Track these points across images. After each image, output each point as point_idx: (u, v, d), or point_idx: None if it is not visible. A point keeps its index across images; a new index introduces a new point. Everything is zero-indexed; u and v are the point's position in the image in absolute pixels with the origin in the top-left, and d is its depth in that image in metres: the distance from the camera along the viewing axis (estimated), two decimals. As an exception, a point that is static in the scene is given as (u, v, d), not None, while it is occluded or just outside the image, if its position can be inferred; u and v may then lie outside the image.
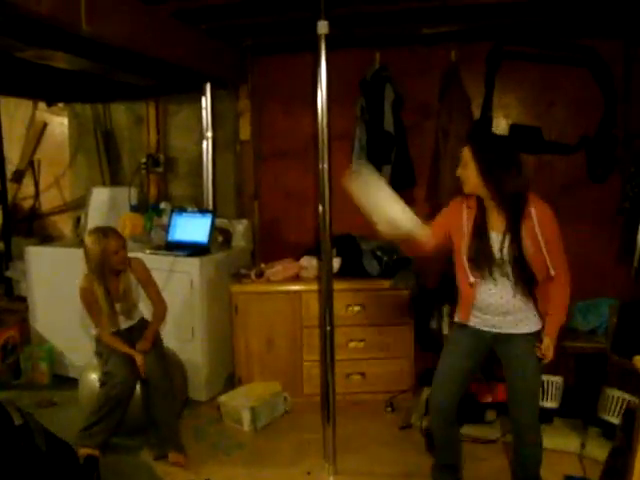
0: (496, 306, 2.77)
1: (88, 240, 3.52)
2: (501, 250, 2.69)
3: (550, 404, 3.79)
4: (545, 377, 3.77)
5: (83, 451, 3.38)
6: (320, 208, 3.25)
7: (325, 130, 3.19)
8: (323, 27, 3.11)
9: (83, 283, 3.61)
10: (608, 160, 4.27)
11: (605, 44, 4.20)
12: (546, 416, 3.74)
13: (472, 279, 2.78)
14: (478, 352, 2.91)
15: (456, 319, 2.97)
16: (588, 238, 4.53)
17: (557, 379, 3.85)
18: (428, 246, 2.89)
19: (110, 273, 3.55)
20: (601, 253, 4.49)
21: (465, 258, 2.78)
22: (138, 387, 3.64)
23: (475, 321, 2.86)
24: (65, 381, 4.70)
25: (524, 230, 2.67)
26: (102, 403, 3.45)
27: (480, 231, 2.75)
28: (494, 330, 2.82)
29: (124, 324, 3.68)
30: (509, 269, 2.70)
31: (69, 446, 2.72)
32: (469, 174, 2.75)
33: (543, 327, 2.78)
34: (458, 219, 2.85)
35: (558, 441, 3.56)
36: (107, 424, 3.46)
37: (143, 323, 3.77)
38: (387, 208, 2.81)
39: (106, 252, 3.46)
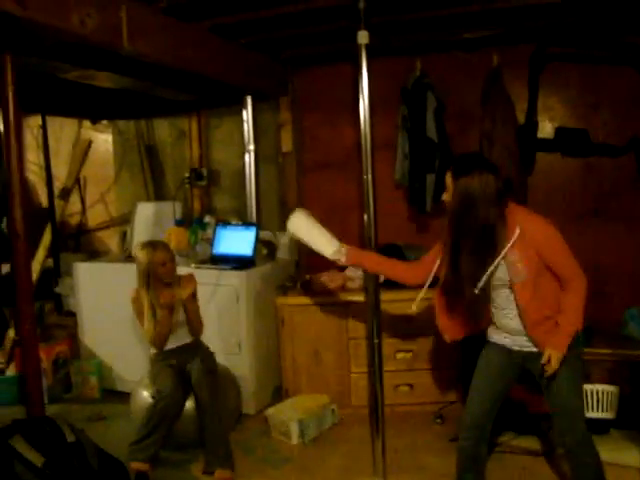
0: (513, 326, 2.68)
1: (138, 252, 3.61)
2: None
3: (606, 415, 3.68)
4: (600, 387, 3.67)
5: (134, 465, 3.42)
6: (365, 218, 3.21)
7: (368, 140, 3.18)
8: (363, 37, 3.10)
9: (132, 293, 3.70)
10: (659, 161, 4.15)
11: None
12: (602, 427, 3.64)
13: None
14: (510, 371, 2.81)
15: (488, 337, 2.90)
16: (636, 243, 4.41)
17: (612, 389, 3.73)
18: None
19: (158, 285, 3.59)
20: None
21: None
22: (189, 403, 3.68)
23: (505, 341, 2.77)
24: (114, 395, 4.75)
25: (511, 256, 2.54)
26: (150, 417, 3.49)
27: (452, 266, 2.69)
28: (524, 349, 2.71)
29: (174, 341, 3.70)
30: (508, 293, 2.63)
31: (120, 463, 2.74)
32: (448, 199, 2.67)
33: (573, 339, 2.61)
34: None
35: (616, 454, 3.43)
36: (155, 438, 3.48)
37: (199, 343, 3.81)
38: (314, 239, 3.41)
39: (153, 263, 3.54)
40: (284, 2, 3.58)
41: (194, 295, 3.72)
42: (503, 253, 2.53)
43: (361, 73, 3.15)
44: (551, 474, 3.42)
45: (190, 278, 3.75)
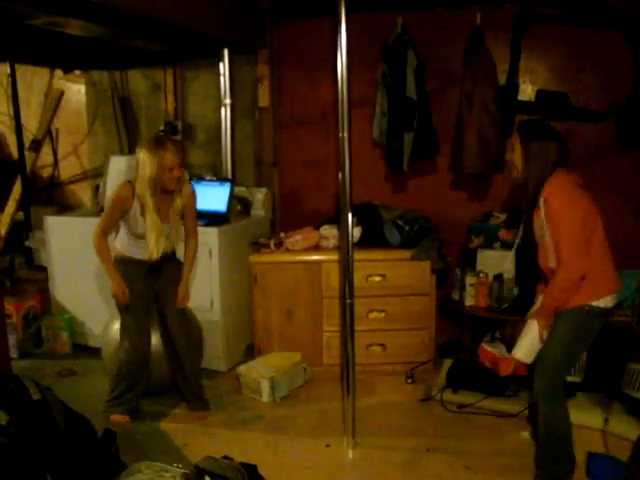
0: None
1: (143, 152, 3.27)
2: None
3: (573, 378, 3.72)
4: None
5: (113, 418, 3.48)
6: (340, 176, 3.16)
7: (345, 97, 3.10)
8: (343, -11, 2.99)
9: (123, 191, 3.36)
10: (638, 128, 4.12)
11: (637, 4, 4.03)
12: (569, 390, 3.67)
13: None
14: None
15: None
16: (615, 208, 4.40)
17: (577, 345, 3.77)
18: None
19: (160, 191, 3.33)
20: (628, 224, 4.37)
21: None
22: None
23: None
24: (86, 350, 4.73)
25: (536, 218, 2.85)
26: (118, 368, 3.54)
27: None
28: None
29: (159, 252, 3.45)
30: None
31: (87, 420, 2.71)
32: (516, 160, 2.89)
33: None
34: None
35: (581, 416, 3.47)
36: (128, 388, 3.54)
37: (176, 261, 3.62)
38: None
39: (161, 167, 3.24)
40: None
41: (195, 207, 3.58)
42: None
43: (340, 27, 3.05)
44: (515, 433, 3.48)
45: (191, 188, 3.53)
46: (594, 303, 2.78)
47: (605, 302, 2.81)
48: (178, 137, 5.18)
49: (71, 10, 3.55)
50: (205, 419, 3.68)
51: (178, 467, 2.70)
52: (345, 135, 3.12)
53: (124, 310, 3.55)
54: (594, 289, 2.78)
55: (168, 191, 3.37)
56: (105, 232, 3.43)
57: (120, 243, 3.54)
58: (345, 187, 3.17)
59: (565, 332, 2.83)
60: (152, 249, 3.39)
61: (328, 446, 3.39)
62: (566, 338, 2.84)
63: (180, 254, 3.65)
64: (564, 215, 2.71)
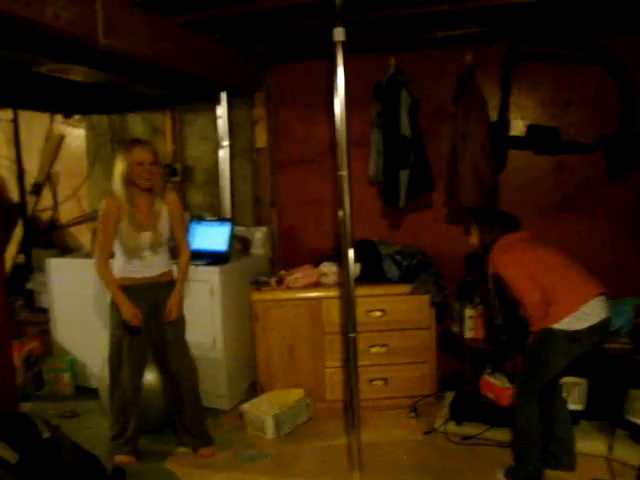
0: None
1: (117, 152, 3.42)
2: None
3: (575, 406, 3.76)
4: (570, 379, 3.76)
5: (118, 459, 3.48)
6: (340, 214, 3.23)
7: (344, 137, 3.17)
8: (339, 34, 3.10)
9: (106, 203, 3.41)
10: (628, 158, 4.23)
11: (622, 42, 4.17)
12: (572, 418, 3.71)
13: None
14: None
15: None
16: (609, 237, 4.51)
17: (582, 381, 3.83)
18: None
19: (134, 189, 3.38)
20: (622, 252, 4.46)
21: None
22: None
23: None
24: (87, 392, 4.72)
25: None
26: (114, 409, 3.58)
27: None
28: None
29: (148, 270, 3.49)
30: None
31: (96, 458, 2.73)
32: (474, 241, 3.49)
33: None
34: None
35: (585, 444, 3.53)
36: (124, 425, 3.57)
37: (171, 284, 3.59)
38: None
39: (130, 161, 3.32)
40: (260, -2, 3.60)
41: (182, 214, 3.60)
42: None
43: (336, 70, 3.14)
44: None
45: (174, 194, 3.58)
46: (554, 326, 3.09)
47: (567, 324, 3.07)
48: (177, 179, 5.27)
49: (77, 57, 3.66)
50: (212, 456, 3.69)
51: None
52: (344, 174, 3.19)
53: (123, 338, 3.52)
54: (553, 315, 3.10)
55: (145, 190, 3.41)
56: (104, 254, 3.43)
57: (117, 267, 3.51)
58: (346, 224, 3.23)
59: (529, 352, 3.26)
60: (134, 248, 3.41)
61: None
62: (530, 358, 3.25)
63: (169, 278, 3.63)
64: (501, 271, 3.26)
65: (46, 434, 2.57)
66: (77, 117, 5.78)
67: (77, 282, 4.75)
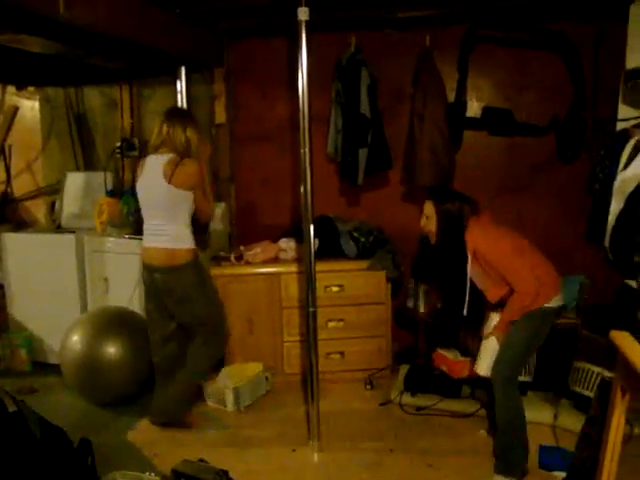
0: None
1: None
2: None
3: (524, 378, 3.92)
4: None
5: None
6: (302, 190, 3.29)
7: (306, 115, 3.22)
8: (304, 13, 3.13)
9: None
10: (577, 142, 4.39)
11: (575, 28, 4.31)
12: (521, 389, 3.87)
13: None
14: None
15: None
16: (557, 217, 4.68)
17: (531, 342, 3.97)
18: None
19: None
20: (569, 232, 4.63)
21: None
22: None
23: None
24: (45, 367, 4.71)
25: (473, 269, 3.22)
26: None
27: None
28: None
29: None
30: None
31: (62, 431, 2.75)
32: (432, 227, 3.27)
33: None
34: None
35: (532, 413, 3.66)
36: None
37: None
38: None
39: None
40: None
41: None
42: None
43: (300, 49, 3.17)
44: (472, 432, 3.67)
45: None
46: (547, 305, 3.12)
47: (555, 302, 3.16)
48: (135, 153, 5.22)
49: (34, 28, 3.60)
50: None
51: (152, 475, 2.78)
52: (306, 150, 3.25)
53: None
54: (545, 294, 3.10)
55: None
56: None
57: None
58: (307, 200, 3.29)
59: (526, 333, 3.14)
60: None
61: (294, 451, 3.50)
62: (527, 338, 3.16)
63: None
64: (495, 251, 3.12)
65: (12, 408, 2.58)
66: (31, 89, 5.65)
67: (33, 257, 4.72)
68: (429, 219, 3.25)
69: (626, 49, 3.72)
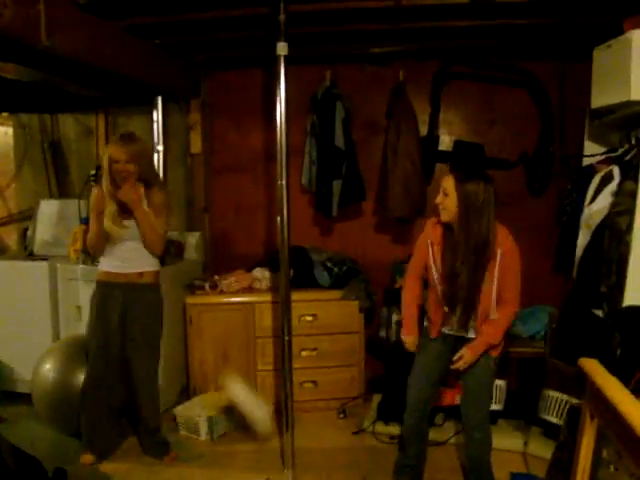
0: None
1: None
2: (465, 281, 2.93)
3: (495, 406, 3.97)
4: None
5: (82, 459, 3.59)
6: (278, 221, 3.33)
7: (284, 147, 3.27)
8: (282, 48, 3.21)
9: (93, 190, 3.62)
10: (545, 176, 4.53)
11: (543, 67, 4.47)
12: (491, 418, 3.93)
13: (445, 309, 3.05)
14: (447, 354, 3.12)
15: (425, 335, 3.24)
16: (526, 248, 4.72)
17: (501, 383, 4.05)
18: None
19: (114, 183, 3.45)
20: (538, 263, 4.71)
21: (439, 290, 3.04)
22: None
23: (449, 331, 3.14)
24: (13, 397, 4.60)
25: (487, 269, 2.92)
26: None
27: (451, 270, 2.97)
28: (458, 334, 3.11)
29: (118, 261, 3.55)
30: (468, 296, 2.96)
31: (37, 460, 2.73)
32: (449, 204, 2.91)
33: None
34: (427, 254, 3.09)
35: (503, 441, 3.75)
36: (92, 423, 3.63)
37: (151, 291, 3.67)
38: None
39: (108, 158, 3.42)
40: (202, 8, 3.67)
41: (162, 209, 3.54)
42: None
43: (279, 83, 3.24)
44: (446, 460, 3.70)
45: (158, 192, 3.54)
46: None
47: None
48: (109, 181, 5.23)
49: (14, 56, 3.62)
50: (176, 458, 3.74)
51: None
52: (284, 182, 3.30)
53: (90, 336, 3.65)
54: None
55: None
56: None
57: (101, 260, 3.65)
58: (283, 231, 3.33)
59: (494, 371, 3.13)
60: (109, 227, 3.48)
61: (269, 480, 3.50)
62: (493, 378, 3.22)
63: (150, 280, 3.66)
64: (517, 262, 2.97)
65: (-15, 437, 2.56)
66: (5, 114, 5.64)
67: (4, 284, 4.66)
68: (447, 196, 2.91)
69: (591, 89, 3.86)
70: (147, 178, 3.53)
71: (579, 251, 3.80)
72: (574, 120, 4.40)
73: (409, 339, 3.28)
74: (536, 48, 4.38)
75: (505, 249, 2.92)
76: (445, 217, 2.95)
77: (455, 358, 3.01)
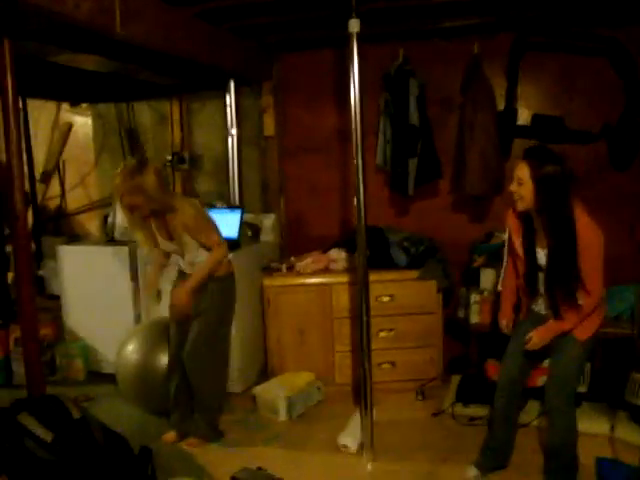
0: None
1: None
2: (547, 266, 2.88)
3: (579, 389, 3.86)
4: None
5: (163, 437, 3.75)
6: (355, 202, 3.30)
7: (359, 126, 3.23)
8: (355, 25, 3.16)
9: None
10: (631, 147, 4.32)
11: (626, 30, 4.25)
12: (576, 400, 3.82)
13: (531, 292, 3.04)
14: None
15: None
16: (610, 226, 4.54)
17: (585, 365, 3.92)
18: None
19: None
20: (624, 241, 4.53)
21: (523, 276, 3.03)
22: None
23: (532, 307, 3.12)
24: (100, 377, 4.80)
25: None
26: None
27: (530, 254, 2.95)
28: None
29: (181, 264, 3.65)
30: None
31: (124, 439, 2.81)
32: (525, 192, 2.82)
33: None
34: (514, 242, 3.06)
35: (588, 424, 3.63)
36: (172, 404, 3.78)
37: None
38: None
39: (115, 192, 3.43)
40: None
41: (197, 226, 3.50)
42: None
43: (352, 61, 3.19)
44: (528, 442, 3.59)
45: (183, 213, 3.45)
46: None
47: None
48: (185, 167, 5.34)
49: (92, 47, 3.71)
50: (196, 446, 3.70)
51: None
52: (359, 161, 3.27)
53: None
54: (600, 320, 3.00)
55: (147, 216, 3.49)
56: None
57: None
58: (360, 211, 3.30)
59: (581, 355, 3.01)
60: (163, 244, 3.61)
61: (348, 459, 3.52)
62: (582, 360, 3.07)
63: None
64: (596, 243, 2.83)
65: (77, 415, 2.65)
66: (84, 105, 5.82)
67: (87, 268, 4.83)
68: (522, 185, 2.81)
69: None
70: (158, 208, 3.43)
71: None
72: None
73: (503, 322, 3.27)
74: (618, 13, 4.16)
75: (579, 229, 2.79)
76: (521, 206, 2.88)
77: (526, 339, 2.95)
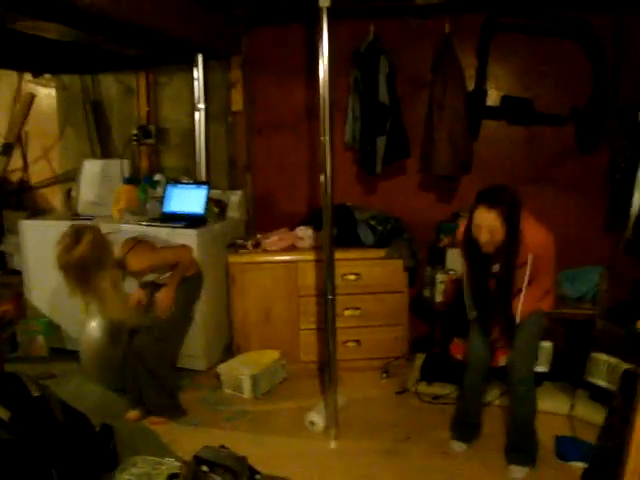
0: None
1: None
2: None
3: (541, 368, 3.91)
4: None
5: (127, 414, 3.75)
6: (322, 179, 3.27)
7: (327, 103, 3.19)
8: (325, 0, 3.12)
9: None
10: (597, 131, 4.35)
11: (596, 16, 4.25)
12: (537, 380, 3.87)
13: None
14: None
15: None
16: (575, 207, 4.64)
17: (547, 344, 3.98)
18: None
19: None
20: (588, 222, 4.59)
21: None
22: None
23: None
24: (63, 354, 4.73)
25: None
26: None
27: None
28: None
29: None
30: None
31: (84, 416, 2.78)
32: (498, 238, 2.86)
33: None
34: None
35: (548, 403, 3.71)
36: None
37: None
38: None
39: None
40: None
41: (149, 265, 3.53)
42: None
43: (322, 36, 3.14)
44: (488, 421, 3.63)
45: (131, 259, 3.42)
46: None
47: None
48: (151, 141, 5.23)
49: (55, 15, 3.59)
50: (159, 424, 3.70)
51: (171, 460, 2.80)
52: (327, 138, 3.23)
53: None
54: (552, 301, 3.22)
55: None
56: None
57: None
58: (327, 188, 3.28)
59: (540, 328, 3.20)
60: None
61: (311, 437, 3.53)
62: (540, 332, 3.24)
63: None
64: (549, 247, 2.97)
65: (36, 393, 2.61)
66: (47, 76, 5.66)
67: (51, 244, 4.70)
68: (495, 232, 2.84)
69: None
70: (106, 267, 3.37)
71: (635, 211, 3.67)
72: (631, 74, 4.21)
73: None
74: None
75: (535, 240, 2.92)
76: (492, 248, 2.92)
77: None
